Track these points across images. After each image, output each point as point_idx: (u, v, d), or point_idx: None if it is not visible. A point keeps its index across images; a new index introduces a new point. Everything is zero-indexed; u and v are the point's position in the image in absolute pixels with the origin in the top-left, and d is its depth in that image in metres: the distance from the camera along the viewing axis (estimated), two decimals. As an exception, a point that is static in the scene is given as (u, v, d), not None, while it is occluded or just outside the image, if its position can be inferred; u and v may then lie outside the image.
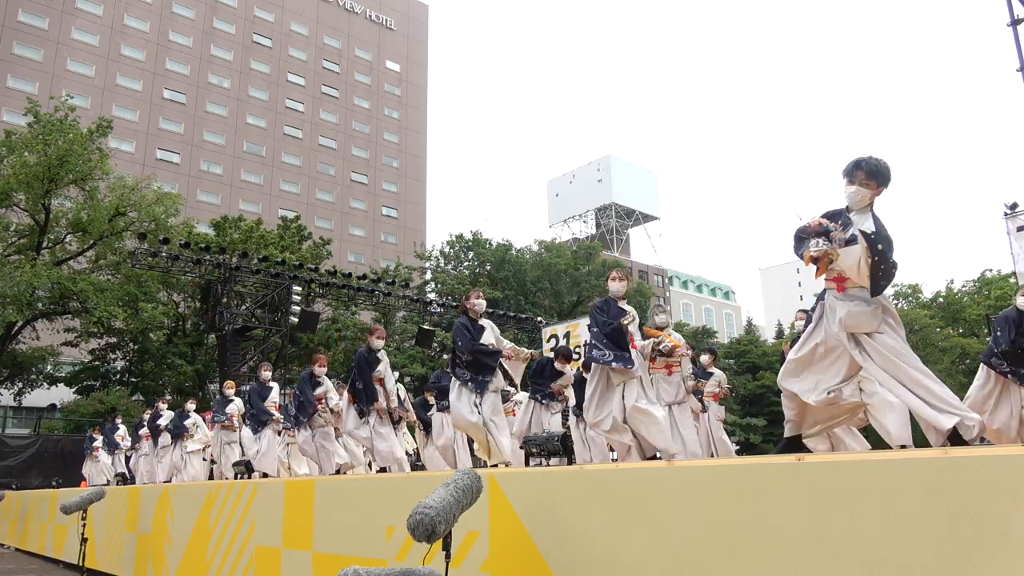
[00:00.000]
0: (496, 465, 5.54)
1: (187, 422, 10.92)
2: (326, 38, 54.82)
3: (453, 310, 26.93)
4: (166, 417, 11.49)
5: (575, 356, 10.50)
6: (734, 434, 33.39)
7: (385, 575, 3.10)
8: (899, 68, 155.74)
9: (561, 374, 8.19)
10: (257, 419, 8.64)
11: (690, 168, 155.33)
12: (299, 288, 21.57)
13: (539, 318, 27.46)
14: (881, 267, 3.60)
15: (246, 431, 9.25)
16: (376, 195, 54.70)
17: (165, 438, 11.21)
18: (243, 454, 9.28)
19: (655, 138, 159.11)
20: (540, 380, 8.17)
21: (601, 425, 4.89)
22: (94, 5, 44.79)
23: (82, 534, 7.84)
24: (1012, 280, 26.67)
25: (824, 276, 3.79)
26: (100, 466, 13.39)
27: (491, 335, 6.03)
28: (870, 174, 3.72)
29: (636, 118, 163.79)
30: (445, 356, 28.68)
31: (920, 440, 3.65)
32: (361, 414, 7.08)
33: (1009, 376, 5.72)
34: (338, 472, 7.60)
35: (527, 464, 4.40)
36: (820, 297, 3.91)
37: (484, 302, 6.25)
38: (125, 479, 12.35)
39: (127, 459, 12.94)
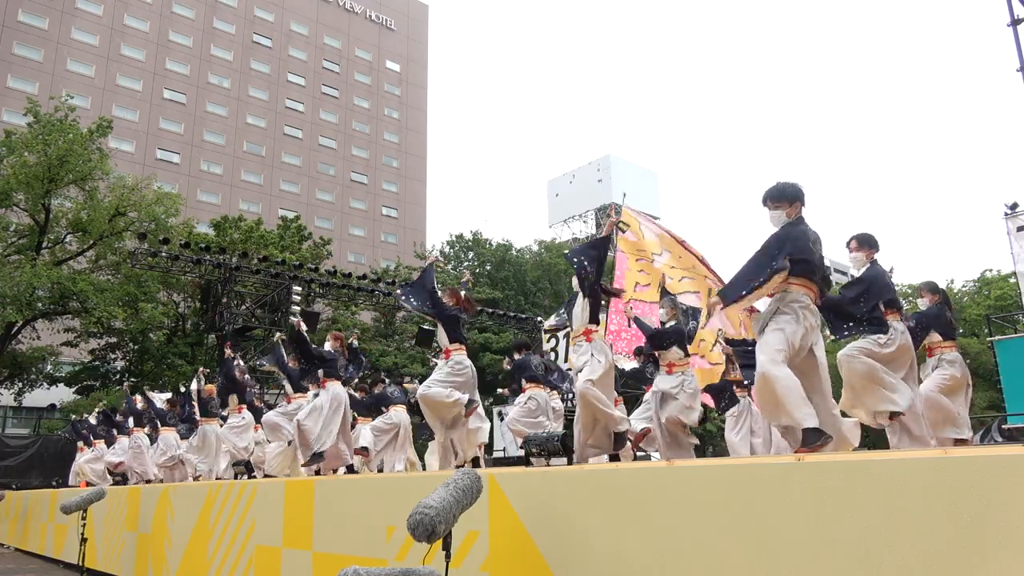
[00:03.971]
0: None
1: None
2: (326, 38, 54.82)
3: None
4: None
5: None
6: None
7: (385, 575, 3.10)
8: (899, 68, 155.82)
9: None
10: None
11: (690, 168, 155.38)
12: (299, 288, 21.55)
13: (539, 318, 27.45)
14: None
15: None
16: (376, 195, 54.70)
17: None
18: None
19: (655, 138, 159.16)
20: None
21: None
22: (94, 5, 44.79)
23: (82, 534, 7.84)
24: (1012, 280, 26.66)
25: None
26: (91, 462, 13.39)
27: None
28: (777, 198, 4.13)
29: (636, 118, 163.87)
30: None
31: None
32: None
33: None
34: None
35: (527, 464, 4.40)
36: None
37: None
38: (125, 479, 12.36)
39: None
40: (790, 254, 3.94)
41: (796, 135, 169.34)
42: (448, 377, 5.96)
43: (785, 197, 4.10)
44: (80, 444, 14.46)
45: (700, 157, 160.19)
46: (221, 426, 9.51)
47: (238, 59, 50.15)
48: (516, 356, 8.39)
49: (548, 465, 4.16)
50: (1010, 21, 11.96)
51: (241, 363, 9.84)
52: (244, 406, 9.65)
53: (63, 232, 22.45)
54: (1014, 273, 15.63)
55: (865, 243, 5.25)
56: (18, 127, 23.26)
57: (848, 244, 5.37)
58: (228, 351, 9.69)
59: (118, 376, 26.34)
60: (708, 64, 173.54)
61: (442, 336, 6.22)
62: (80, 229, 21.85)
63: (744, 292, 4.00)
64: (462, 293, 6.46)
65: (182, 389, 10.03)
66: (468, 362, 6.14)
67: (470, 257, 34.84)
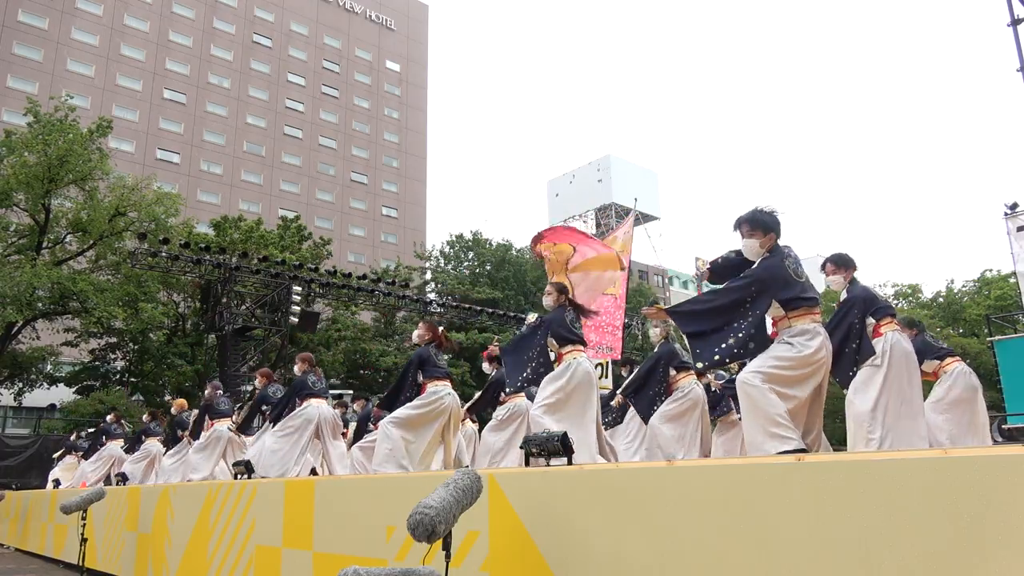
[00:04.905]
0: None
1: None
2: (326, 38, 54.81)
3: (453, 310, 26.93)
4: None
5: None
6: (734, 434, 33.43)
7: (385, 575, 3.10)
8: (899, 68, 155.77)
9: None
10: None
11: (690, 168, 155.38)
12: (299, 288, 21.56)
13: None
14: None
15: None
16: (376, 195, 54.69)
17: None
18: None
19: (655, 138, 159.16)
20: None
21: None
22: (94, 5, 44.78)
23: (82, 534, 7.83)
24: (1012, 280, 26.66)
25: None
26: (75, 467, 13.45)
27: None
28: (753, 225, 3.98)
29: (636, 118, 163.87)
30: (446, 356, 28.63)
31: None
32: None
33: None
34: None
35: (527, 464, 4.40)
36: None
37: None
38: (125, 479, 12.36)
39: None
40: (776, 298, 3.85)
41: (796, 135, 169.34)
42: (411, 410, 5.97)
43: (761, 226, 3.98)
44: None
45: (700, 157, 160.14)
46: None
47: (238, 59, 50.14)
48: (487, 367, 7.79)
49: (548, 465, 4.16)
50: (1010, 21, 11.97)
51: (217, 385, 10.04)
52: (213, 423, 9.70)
53: (63, 232, 22.46)
54: (1014, 273, 15.63)
55: (842, 264, 5.14)
56: (18, 127, 23.25)
57: (823, 268, 5.24)
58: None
59: (118, 376, 26.37)
60: (707, 64, 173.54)
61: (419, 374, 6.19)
62: (80, 229, 21.85)
63: (717, 356, 3.86)
64: (440, 328, 6.49)
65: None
66: (443, 391, 6.00)
67: (470, 257, 34.84)
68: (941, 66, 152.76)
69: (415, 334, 6.42)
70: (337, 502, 5.05)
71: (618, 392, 7.38)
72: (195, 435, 9.61)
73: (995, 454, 2.20)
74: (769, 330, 4.02)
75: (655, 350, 6.68)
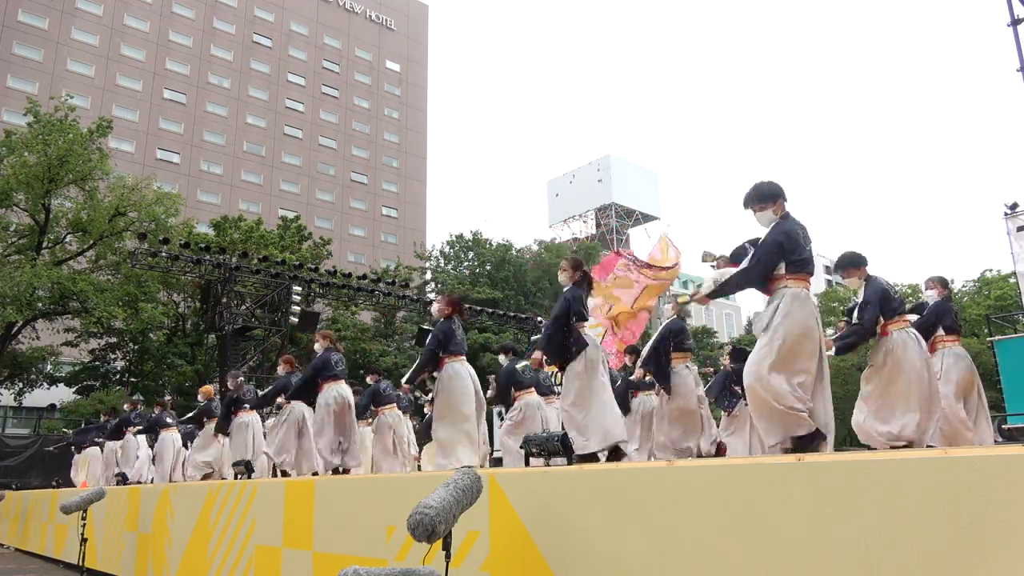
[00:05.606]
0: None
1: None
2: (326, 38, 54.81)
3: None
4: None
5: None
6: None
7: (385, 575, 3.10)
8: (899, 68, 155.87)
9: None
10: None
11: (690, 168, 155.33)
12: (299, 288, 21.54)
13: (539, 318, 27.43)
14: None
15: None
16: (376, 195, 54.69)
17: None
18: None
19: (655, 138, 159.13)
20: None
21: None
22: (94, 5, 44.77)
23: (82, 534, 7.84)
24: (1012, 280, 26.64)
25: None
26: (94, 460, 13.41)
27: None
28: (761, 199, 4.17)
29: (636, 118, 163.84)
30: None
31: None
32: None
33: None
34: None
35: (527, 464, 4.40)
36: None
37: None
38: (125, 479, 12.35)
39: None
40: (789, 254, 4.04)
41: (796, 135, 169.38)
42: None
43: (768, 197, 4.15)
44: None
45: (700, 157, 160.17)
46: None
47: (238, 59, 50.13)
48: (502, 358, 8.08)
49: (548, 465, 4.17)
50: (1010, 21, 11.97)
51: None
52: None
53: (63, 232, 22.47)
54: (1014, 273, 15.63)
55: (852, 264, 5.23)
56: (18, 127, 23.25)
57: (837, 272, 5.38)
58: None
59: (118, 376, 26.38)
60: (707, 64, 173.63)
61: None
62: (80, 229, 21.86)
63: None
64: (455, 298, 6.36)
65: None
66: (466, 371, 5.93)
67: (470, 257, 34.83)
68: (941, 66, 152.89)
69: (435, 308, 6.27)
70: (337, 502, 5.05)
71: (639, 366, 7.31)
72: (222, 429, 9.52)
73: (995, 454, 2.20)
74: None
75: (665, 323, 6.66)
